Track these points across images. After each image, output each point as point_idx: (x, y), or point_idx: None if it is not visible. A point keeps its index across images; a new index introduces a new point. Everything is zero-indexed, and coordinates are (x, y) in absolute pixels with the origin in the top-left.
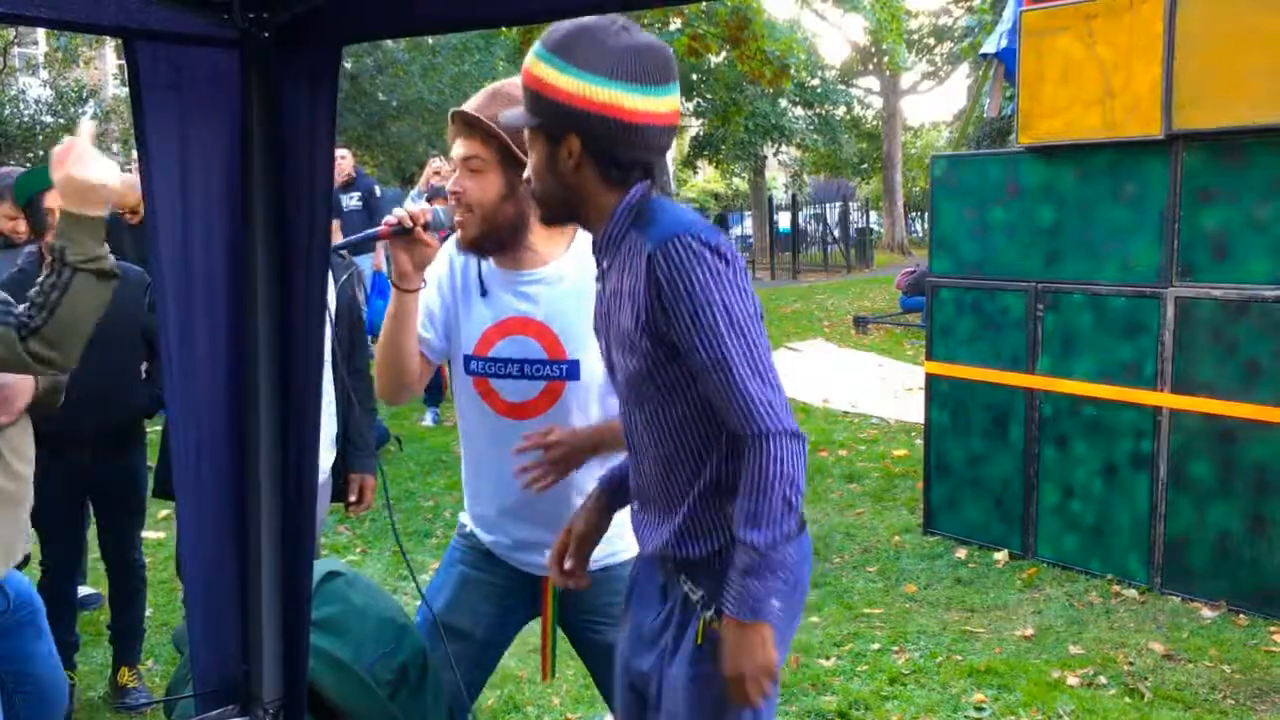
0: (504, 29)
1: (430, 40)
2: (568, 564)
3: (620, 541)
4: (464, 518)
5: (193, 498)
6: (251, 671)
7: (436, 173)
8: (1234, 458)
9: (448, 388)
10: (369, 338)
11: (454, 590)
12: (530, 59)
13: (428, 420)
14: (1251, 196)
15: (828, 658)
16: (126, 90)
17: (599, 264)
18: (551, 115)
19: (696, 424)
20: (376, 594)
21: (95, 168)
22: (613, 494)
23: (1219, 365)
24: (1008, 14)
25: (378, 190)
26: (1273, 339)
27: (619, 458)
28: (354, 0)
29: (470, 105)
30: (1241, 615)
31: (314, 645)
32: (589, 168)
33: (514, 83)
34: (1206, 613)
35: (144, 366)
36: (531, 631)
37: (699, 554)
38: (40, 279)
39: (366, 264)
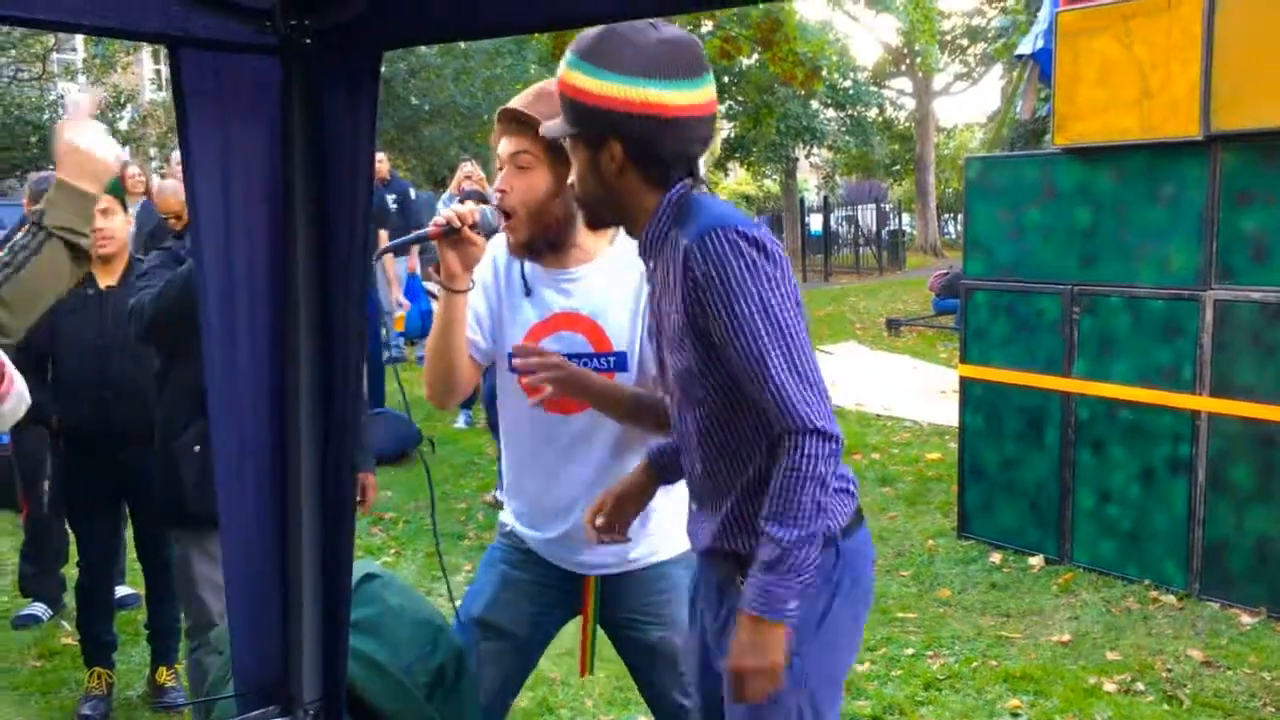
0: (537, 34)
1: (462, 45)
2: (601, 520)
3: (661, 540)
4: (505, 516)
5: (235, 498)
6: (291, 672)
7: (468, 176)
8: (1274, 462)
9: (479, 389)
10: (383, 331)
11: (495, 590)
12: (564, 68)
13: (460, 422)
14: None
15: (861, 662)
16: (162, 95)
17: (646, 265)
18: (591, 122)
19: (745, 420)
20: (412, 596)
21: (91, 137)
22: (658, 466)
23: (1259, 368)
24: (1043, 15)
25: (412, 193)
26: None
27: (618, 429)
28: (394, 6)
29: (517, 103)
30: None
31: (351, 647)
32: (631, 170)
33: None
34: (1246, 619)
35: None
36: (564, 634)
37: (747, 549)
38: (14, 238)
39: (401, 268)
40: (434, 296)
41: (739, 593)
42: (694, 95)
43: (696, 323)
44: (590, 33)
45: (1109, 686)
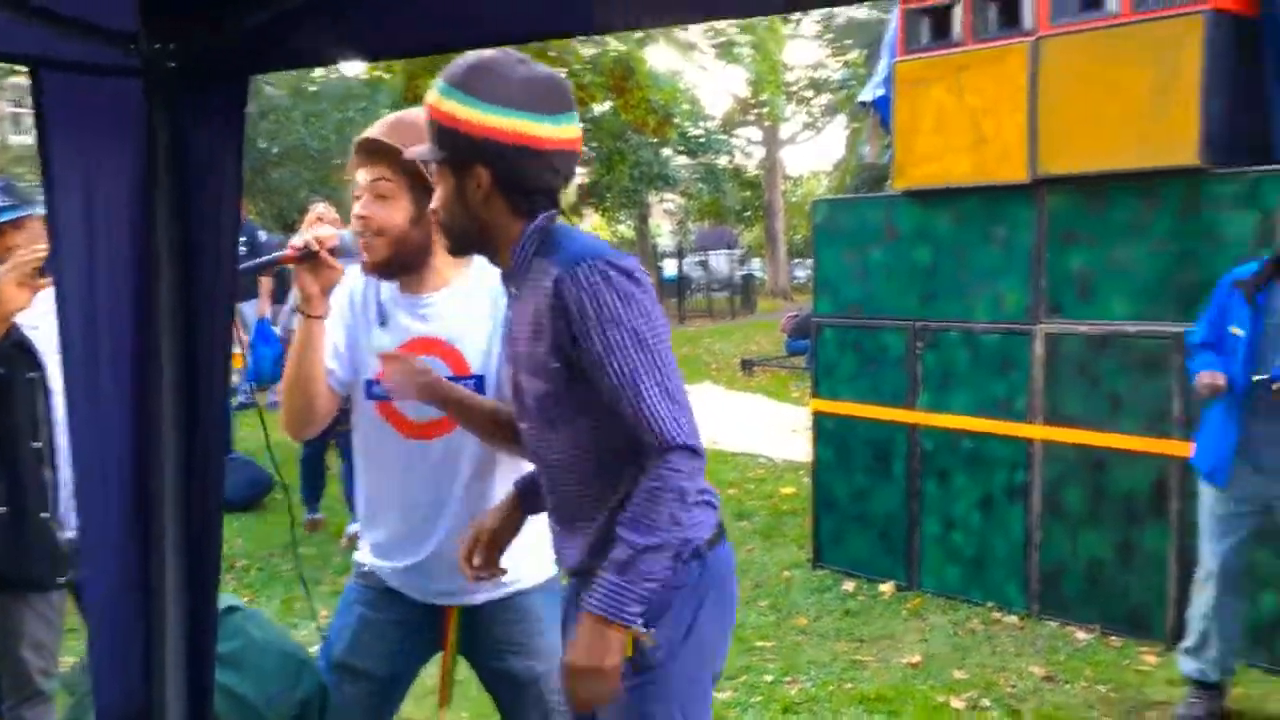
0: (386, 77)
1: (313, 87)
2: (477, 559)
3: (524, 569)
4: (360, 556)
5: (98, 528)
6: (155, 705)
7: (320, 217)
8: (1103, 487)
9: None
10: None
11: (355, 632)
12: (434, 94)
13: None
14: (1112, 238)
15: (722, 690)
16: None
17: (507, 291)
18: (460, 148)
19: (609, 440)
20: (275, 629)
21: None
22: (526, 496)
23: (1086, 398)
24: (882, 65)
25: (261, 235)
26: (1134, 372)
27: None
28: (261, 33)
29: (376, 131)
30: (1114, 637)
31: (215, 681)
32: (497, 197)
33: (416, 111)
34: (1081, 636)
35: None
36: (426, 674)
37: None
38: None
39: (250, 310)
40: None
41: None
42: (561, 130)
43: (566, 348)
44: (462, 62)
45: (957, 704)
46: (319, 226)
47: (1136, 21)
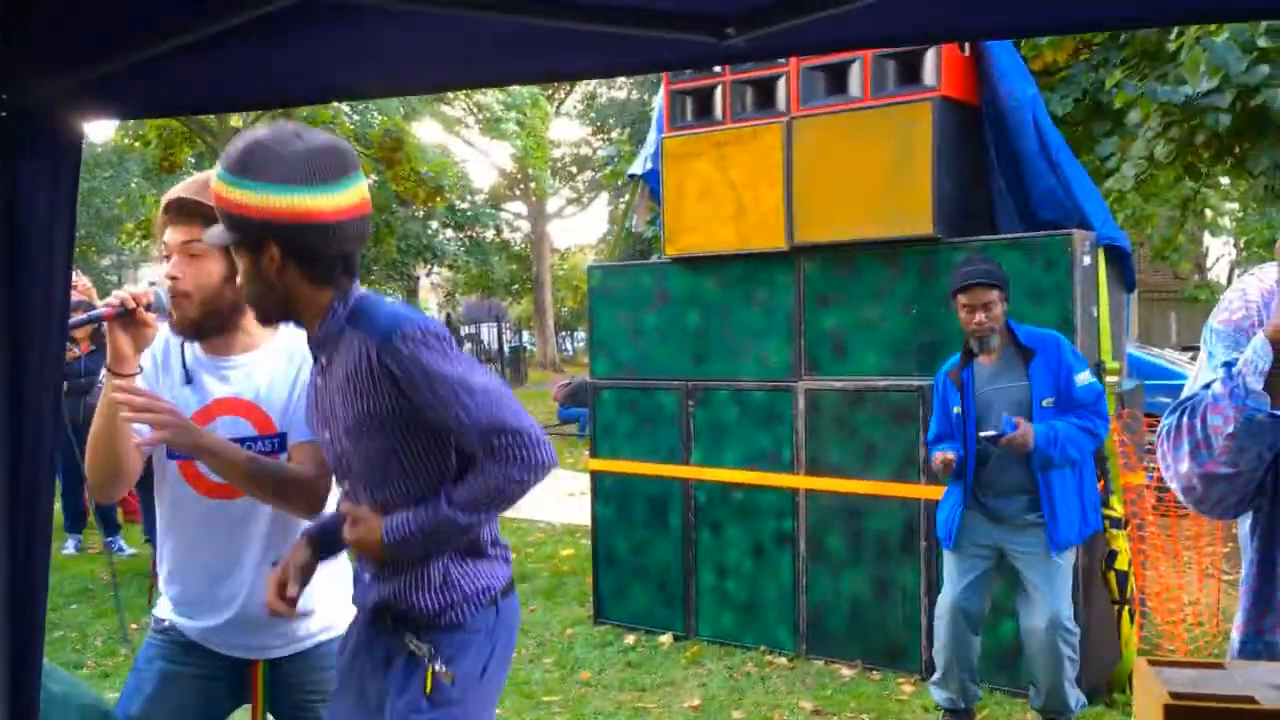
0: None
1: None
2: (292, 590)
3: (327, 617)
4: (160, 611)
5: None
6: None
7: (73, 287)
8: (861, 530)
9: (90, 514)
10: None
11: (154, 687)
12: (215, 182)
13: (69, 548)
14: (860, 300)
15: None
16: None
17: (316, 359)
18: (245, 230)
19: (436, 489)
20: (74, 683)
21: None
22: (321, 540)
23: (843, 448)
24: (651, 138)
25: None
26: (885, 423)
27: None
28: (102, 83)
29: (186, 191)
30: (875, 671)
31: None
32: (292, 269)
33: None
34: (846, 671)
35: None
36: None
37: (430, 608)
38: None
39: None
40: None
41: (408, 650)
42: (343, 197)
43: (399, 409)
44: (236, 147)
45: None
46: (133, 286)
47: (875, 106)
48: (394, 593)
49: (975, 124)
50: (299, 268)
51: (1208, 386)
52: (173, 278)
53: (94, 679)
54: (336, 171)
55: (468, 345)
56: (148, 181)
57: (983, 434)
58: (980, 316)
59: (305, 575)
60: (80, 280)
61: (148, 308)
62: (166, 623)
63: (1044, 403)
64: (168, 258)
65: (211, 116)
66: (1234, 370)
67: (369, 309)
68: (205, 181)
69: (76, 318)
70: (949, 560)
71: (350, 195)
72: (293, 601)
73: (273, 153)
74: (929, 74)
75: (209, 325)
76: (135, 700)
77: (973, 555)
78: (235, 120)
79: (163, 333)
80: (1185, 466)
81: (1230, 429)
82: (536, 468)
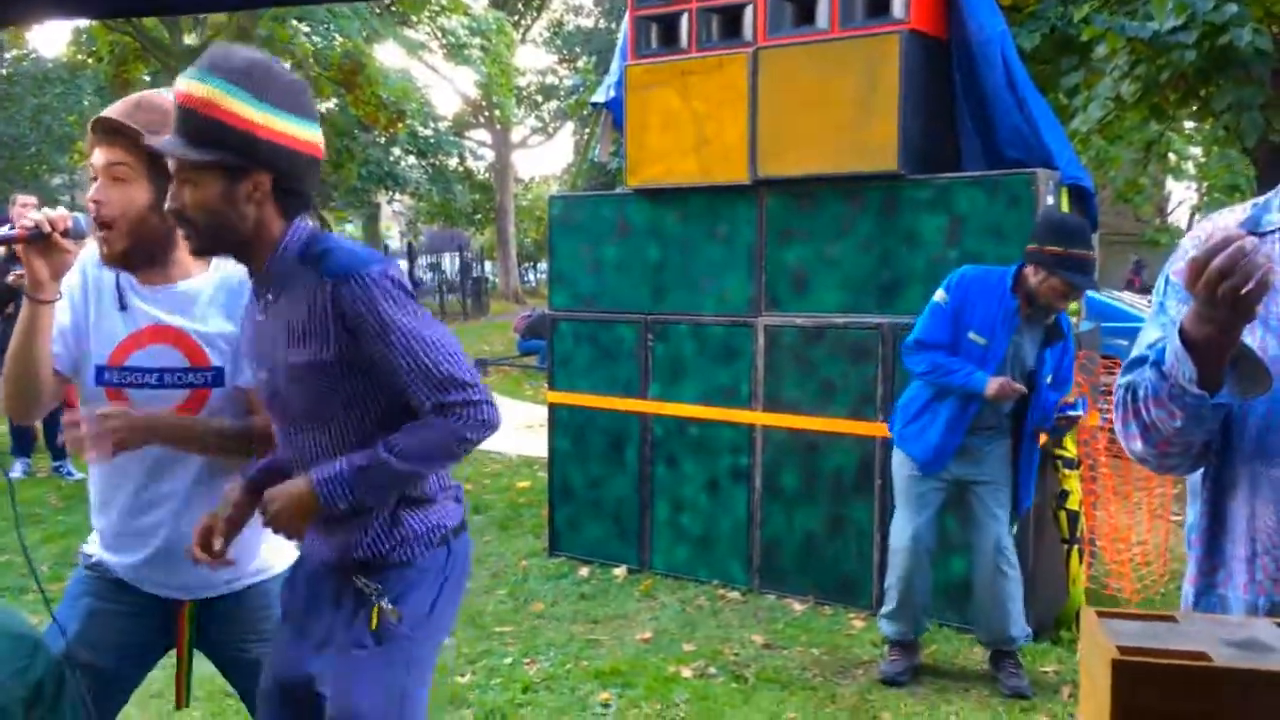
0: (90, 61)
1: (5, 70)
2: (217, 545)
3: (270, 557)
4: (89, 547)
5: None
6: None
7: (24, 205)
8: (816, 467)
9: (39, 437)
10: None
11: (81, 623)
12: (209, 89)
13: (17, 471)
14: (822, 236)
15: (463, 675)
16: None
17: (260, 295)
18: (239, 149)
19: (376, 438)
20: (4, 611)
21: None
22: (260, 486)
23: (801, 384)
24: (614, 66)
25: None
26: (844, 360)
27: (187, 458)
28: None
29: (114, 112)
30: (826, 606)
31: None
32: (271, 204)
33: (159, 93)
34: (797, 606)
35: None
36: (150, 678)
37: (379, 550)
38: None
39: None
40: None
41: (355, 588)
42: (320, 137)
43: (346, 351)
44: (233, 55)
45: (686, 673)
46: (50, 210)
47: (843, 38)
48: (353, 544)
49: (943, 59)
50: (278, 202)
51: (1158, 365)
52: (96, 201)
53: (38, 604)
54: (314, 110)
55: (429, 274)
56: (100, 99)
57: (1069, 414)
58: (1063, 304)
59: (235, 525)
60: (30, 200)
61: (64, 233)
62: (95, 558)
63: (1047, 379)
64: (94, 180)
65: (165, 33)
66: (1166, 371)
67: (329, 249)
68: (136, 102)
69: None
70: (911, 490)
71: (320, 135)
72: (218, 554)
73: (275, 74)
74: (898, 7)
75: (138, 254)
76: (58, 636)
77: (936, 488)
78: (189, 38)
79: (95, 255)
80: (1138, 445)
81: (1177, 424)
82: (483, 426)
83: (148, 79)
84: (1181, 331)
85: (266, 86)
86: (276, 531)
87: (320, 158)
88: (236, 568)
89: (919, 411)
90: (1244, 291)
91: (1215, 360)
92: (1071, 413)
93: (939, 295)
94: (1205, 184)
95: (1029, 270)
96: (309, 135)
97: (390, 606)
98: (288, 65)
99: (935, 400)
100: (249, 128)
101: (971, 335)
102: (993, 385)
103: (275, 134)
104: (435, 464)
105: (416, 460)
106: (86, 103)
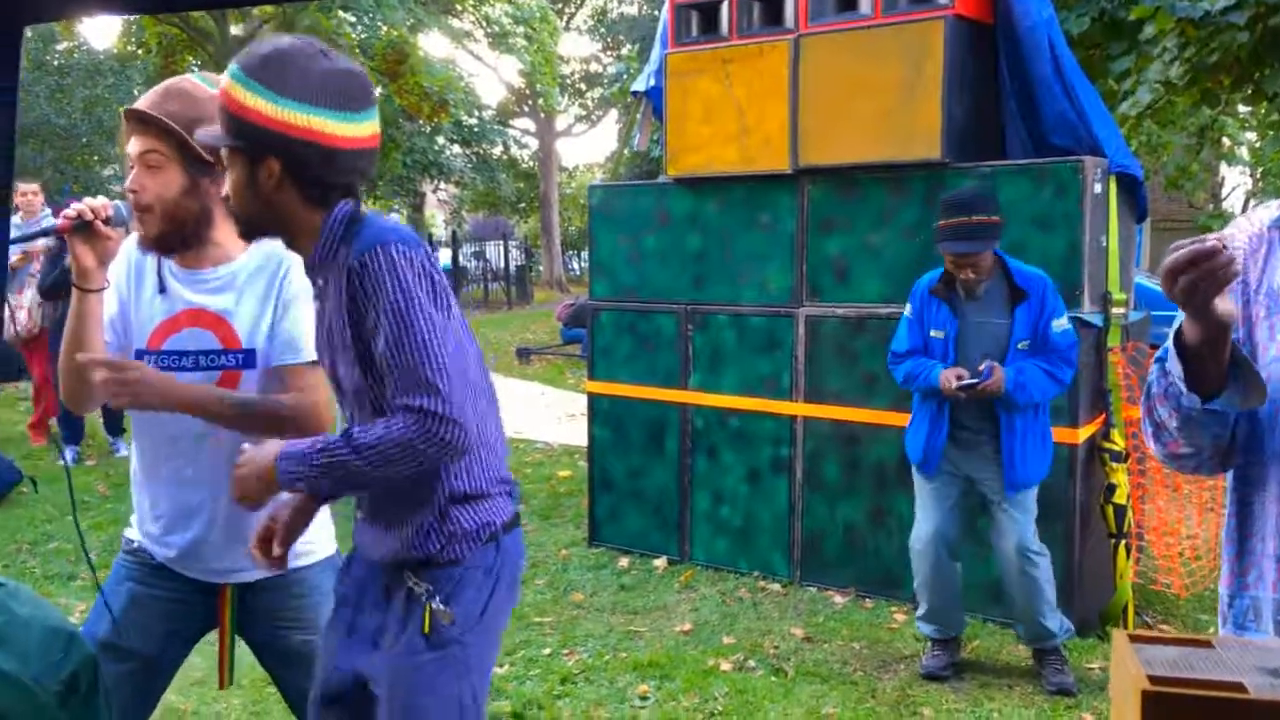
0: (140, 53)
1: (57, 61)
2: (277, 550)
3: (313, 545)
4: (130, 532)
5: None
6: None
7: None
8: (858, 458)
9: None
10: None
11: (123, 608)
12: (228, 81)
13: (67, 458)
14: (865, 226)
15: (500, 665)
16: None
17: (314, 282)
18: (251, 138)
19: None
20: (40, 604)
21: None
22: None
23: (843, 375)
24: (654, 55)
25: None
26: (885, 351)
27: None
28: None
29: (143, 102)
30: (867, 599)
31: None
32: (289, 188)
33: (189, 80)
34: (838, 599)
35: None
36: (192, 665)
37: (430, 552)
38: None
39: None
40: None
41: (407, 587)
42: (358, 128)
43: (362, 335)
44: (259, 50)
45: (725, 666)
46: (92, 198)
47: (886, 24)
48: (404, 544)
49: (988, 45)
50: (296, 188)
51: (1162, 361)
52: (132, 190)
53: (86, 591)
54: (356, 100)
55: (474, 262)
56: (148, 89)
57: (960, 382)
58: (967, 274)
59: (293, 531)
60: (27, 187)
61: (106, 221)
62: (136, 544)
63: (1020, 345)
64: (131, 169)
65: (212, 24)
66: (1165, 367)
67: (362, 225)
68: (165, 91)
69: (31, 229)
70: (923, 488)
71: (364, 127)
72: (278, 560)
73: (296, 65)
74: None
75: (173, 238)
76: (103, 622)
77: (947, 482)
78: (236, 29)
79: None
80: (1153, 445)
81: (1175, 423)
82: (441, 445)
83: (196, 68)
84: (1178, 332)
85: (282, 77)
86: (237, 499)
87: (348, 148)
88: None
89: (913, 414)
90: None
91: (1209, 364)
92: (974, 381)
93: (906, 309)
94: (1260, 169)
95: (947, 267)
96: (327, 128)
97: (442, 607)
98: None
99: (920, 402)
100: (252, 117)
101: (933, 333)
102: (942, 380)
103: (281, 124)
104: (394, 467)
105: (369, 459)
106: (136, 92)
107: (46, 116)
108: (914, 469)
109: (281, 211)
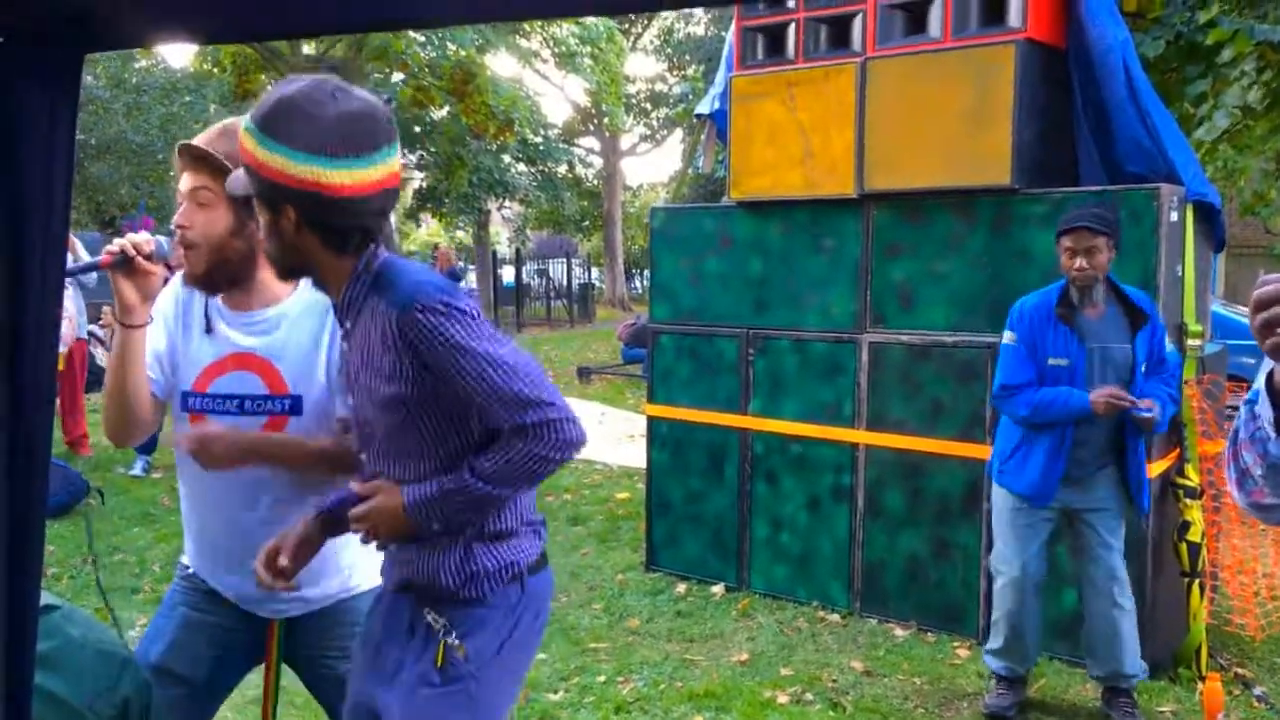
0: (215, 71)
1: (135, 79)
2: (282, 561)
3: (358, 575)
4: (185, 558)
5: None
6: None
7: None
8: (921, 488)
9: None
10: None
11: (175, 633)
12: (242, 132)
13: (137, 469)
14: (931, 251)
15: (555, 691)
16: None
17: (341, 325)
18: (263, 188)
19: (457, 464)
20: (95, 627)
21: None
22: (332, 519)
23: (907, 403)
24: (719, 77)
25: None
26: (951, 380)
27: (278, 477)
28: (102, 7)
29: (200, 140)
30: (929, 633)
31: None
32: (309, 234)
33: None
34: (899, 632)
35: None
36: (249, 683)
37: (450, 583)
38: None
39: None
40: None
41: (426, 621)
42: (365, 173)
43: (423, 382)
44: (267, 99)
45: (782, 699)
46: (135, 234)
47: (956, 48)
48: (416, 569)
49: (1061, 68)
50: (315, 234)
51: (1251, 404)
52: (180, 226)
53: (149, 605)
54: (365, 144)
55: (537, 280)
56: (224, 109)
57: (1143, 414)
58: (1081, 262)
59: (304, 551)
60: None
61: (149, 257)
62: (191, 569)
63: (1142, 368)
64: (182, 204)
65: (284, 44)
66: (1255, 410)
67: (392, 276)
68: (221, 130)
69: (74, 265)
70: (1016, 522)
71: (375, 170)
72: (284, 574)
73: (301, 113)
74: (1014, 14)
75: (219, 277)
76: (156, 645)
77: (1045, 518)
78: (308, 48)
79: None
80: (1235, 492)
81: (1260, 470)
82: (565, 446)
83: (269, 89)
84: (1270, 374)
85: (284, 129)
86: (366, 534)
87: (353, 195)
88: (324, 584)
89: (1015, 447)
90: None
91: None
92: (1143, 414)
93: (1007, 336)
94: None
95: (1062, 265)
96: (327, 177)
97: (457, 643)
98: (398, 77)
99: (1031, 432)
100: (259, 168)
101: (1051, 361)
102: (1098, 401)
103: (281, 175)
104: (519, 485)
105: (500, 483)
106: (212, 110)
107: (123, 133)
108: (1013, 501)
109: (306, 256)
